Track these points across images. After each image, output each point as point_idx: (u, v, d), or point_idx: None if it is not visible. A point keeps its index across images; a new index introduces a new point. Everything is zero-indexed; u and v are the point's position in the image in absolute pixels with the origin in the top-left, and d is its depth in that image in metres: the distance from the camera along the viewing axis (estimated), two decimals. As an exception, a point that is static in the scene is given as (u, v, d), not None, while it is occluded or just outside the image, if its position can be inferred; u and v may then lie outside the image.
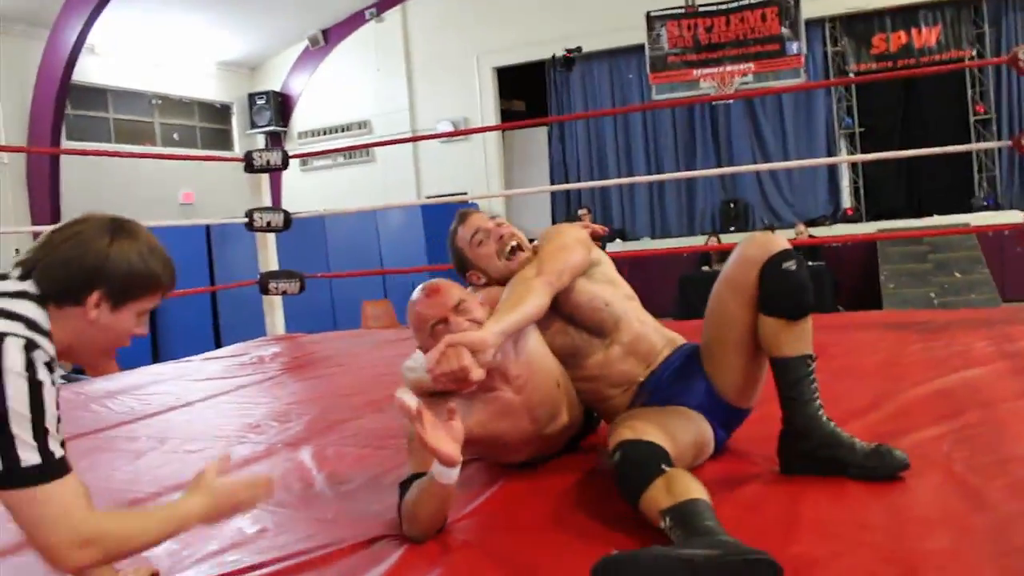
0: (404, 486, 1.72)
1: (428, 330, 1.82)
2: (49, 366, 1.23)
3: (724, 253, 9.60)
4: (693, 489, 1.58)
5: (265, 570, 1.63)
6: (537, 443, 2.02)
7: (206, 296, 9.59)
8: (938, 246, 9.48)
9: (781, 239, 1.92)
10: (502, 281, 2.06)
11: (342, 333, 5.69)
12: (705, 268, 10.06)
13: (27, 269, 1.28)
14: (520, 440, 1.97)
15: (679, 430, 1.86)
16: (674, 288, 9.46)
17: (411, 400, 1.56)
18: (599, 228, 2.36)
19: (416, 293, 1.88)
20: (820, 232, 10.48)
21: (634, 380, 2.08)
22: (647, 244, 11.71)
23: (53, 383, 1.22)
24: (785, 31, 8.64)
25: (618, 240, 11.45)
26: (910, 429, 2.13)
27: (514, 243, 2.11)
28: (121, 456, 2.63)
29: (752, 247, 1.90)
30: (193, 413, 3.23)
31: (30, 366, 1.19)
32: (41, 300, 1.26)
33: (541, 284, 1.93)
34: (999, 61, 4.70)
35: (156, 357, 9.50)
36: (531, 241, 2.18)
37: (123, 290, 1.30)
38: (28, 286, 1.27)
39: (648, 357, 2.09)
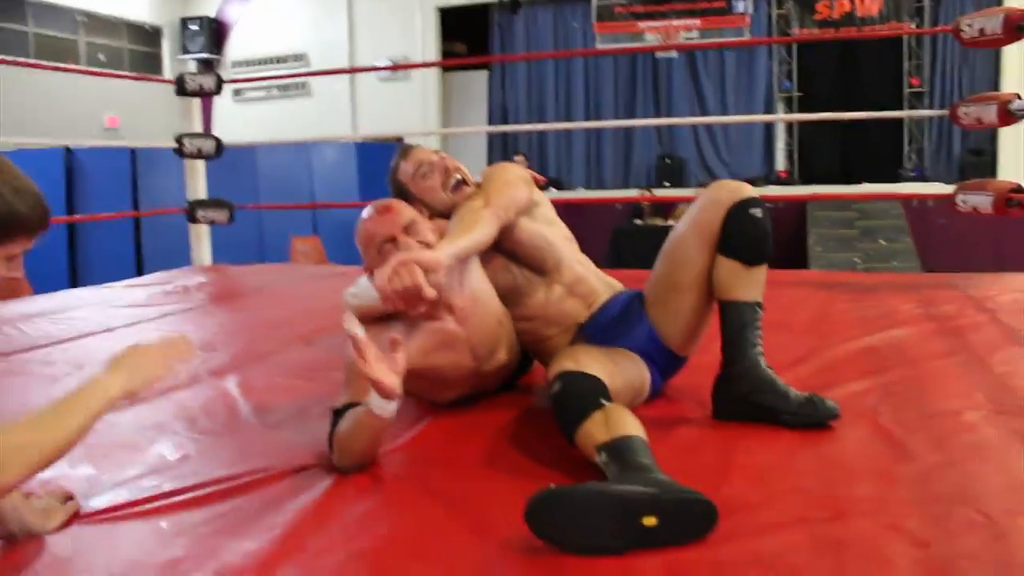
0: (337, 414, 1.67)
1: (376, 248, 1.79)
2: None
3: (658, 207, 9.69)
4: (630, 425, 1.57)
5: (186, 495, 1.57)
6: (474, 380, 2.00)
7: (129, 222, 9.27)
8: (865, 213, 9.69)
9: (749, 186, 1.93)
10: (446, 214, 2.04)
11: (270, 266, 5.57)
12: (638, 221, 10.11)
13: None
14: (458, 374, 1.95)
15: (620, 369, 1.85)
16: (607, 239, 9.50)
17: (357, 328, 1.52)
18: (538, 176, 2.33)
19: (367, 210, 1.84)
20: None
21: (574, 321, 2.08)
22: (582, 194, 11.72)
23: None
24: (732, -11, 8.66)
25: (553, 189, 11.43)
26: (838, 382, 2.16)
27: (459, 176, 2.09)
28: (36, 381, 2.52)
29: (722, 191, 1.92)
30: (113, 339, 3.11)
31: None
32: None
33: (489, 215, 1.92)
34: (941, 30, 4.78)
35: (75, 283, 9.21)
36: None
37: None
38: None
39: (589, 298, 2.10)
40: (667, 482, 1.37)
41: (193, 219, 4.91)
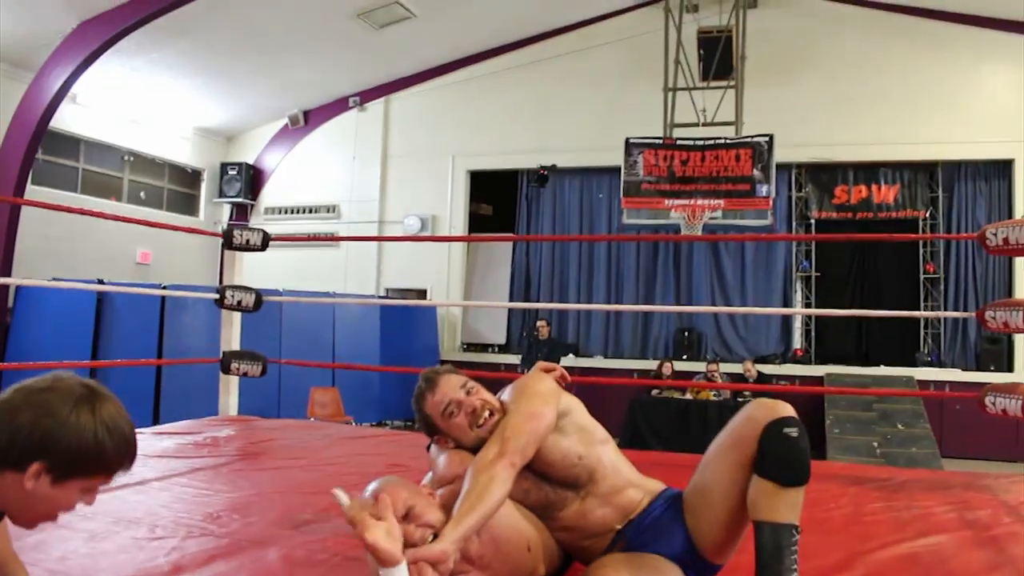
0: None
1: None
2: None
3: (675, 379, 9.72)
4: None
5: None
6: None
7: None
8: (883, 396, 9.72)
9: (788, 406, 1.93)
10: (474, 448, 2.03)
11: (296, 422, 5.59)
12: (655, 392, 10.14)
13: None
14: None
15: None
16: (623, 409, 9.51)
17: (345, 498, 1.51)
18: (566, 375, 2.35)
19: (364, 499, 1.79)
20: (770, 370, 10.69)
21: (611, 528, 2.07)
22: (600, 362, 11.80)
23: None
24: (757, 173, 8.97)
25: (571, 355, 11.51)
26: (884, 597, 2.14)
27: (487, 413, 2.07)
28: (75, 537, 2.52)
29: (759, 409, 1.93)
30: (148, 494, 3.12)
31: None
32: None
33: (503, 468, 1.87)
34: (967, 237, 4.93)
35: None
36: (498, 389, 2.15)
37: (67, 466, 1.24)
38: None
39: (626, 509, 2.09)
40: None
41: (227, 370, 4.97)
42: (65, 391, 1.25)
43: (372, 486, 1.82)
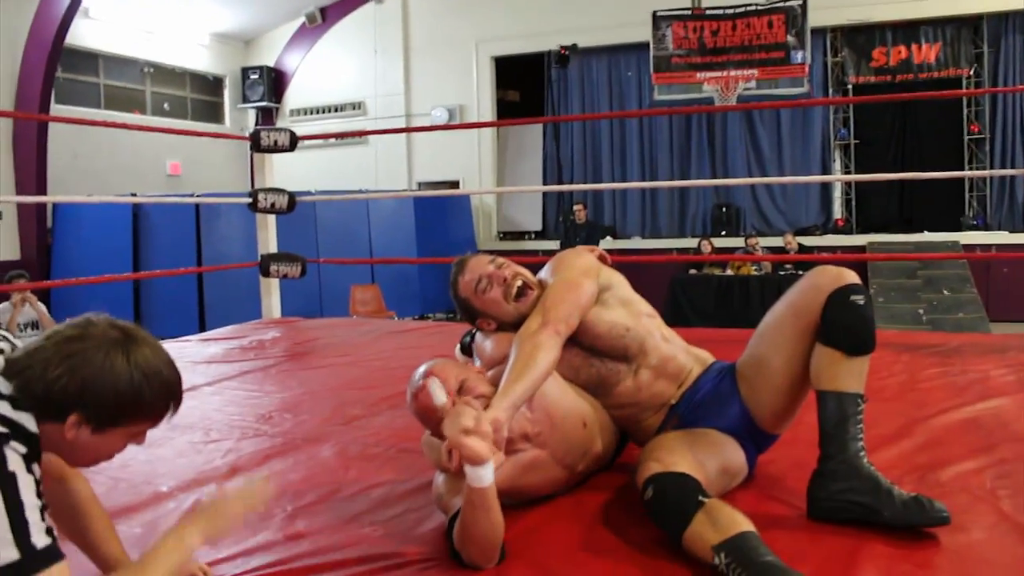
0: (453, 520, 1.65)
1: (437, 420, 1.71)
2: (26, 455, 1.15)
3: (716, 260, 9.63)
4: (739, 521, 1.55)
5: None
6: (571, 479, 1.97)
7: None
8: (928, 262, 9.56)
9: (852, 273, 1.87)
10: (514, 324, 1.98)
11: (340, 320, 5.63)
12: (693, 271, 10.07)
13: (13, 372, 1.19)
14: (554, 485, 1.92)
15: (708, 457, 1.82)
16: (664, 289, 9.45)
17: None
18: (606, 255, 2.28)
19: (414, 383, 1.79)
20: (810, 242, 10.53)
21: (666, 402, 2.03)
22: (638, 243, 11.70)
23: (30, 471, 1.15)
24: (791, 39, 8.64)
25: (608, 238, 11.42)
26: (947, 460, 2.11)
27: (519, 283, 2.02)
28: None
29: (823, 276, 1.86)
30: (200, 399, 3.16)
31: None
32: (22, 404, 1.19)
33: (548, 337, 1.83)
34: (1019, 89, 4.70)
35: (139, 330, 9.36)
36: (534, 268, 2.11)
37: (105, 416, 1.21)
38: (8, 389, 1.19)
39: (679, 377, 2.04)
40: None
41: (266, 273, 4.97)
42: (98, 337, 1.21)
43: (421, 368, 1.80)
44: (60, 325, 1.25)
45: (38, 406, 1.18)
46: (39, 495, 1.14)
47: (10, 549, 1.08)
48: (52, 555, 1.13)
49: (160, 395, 1.25)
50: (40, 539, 1.11)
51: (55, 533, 1.15)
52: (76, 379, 1.17)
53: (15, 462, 1.13)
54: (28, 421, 1.18)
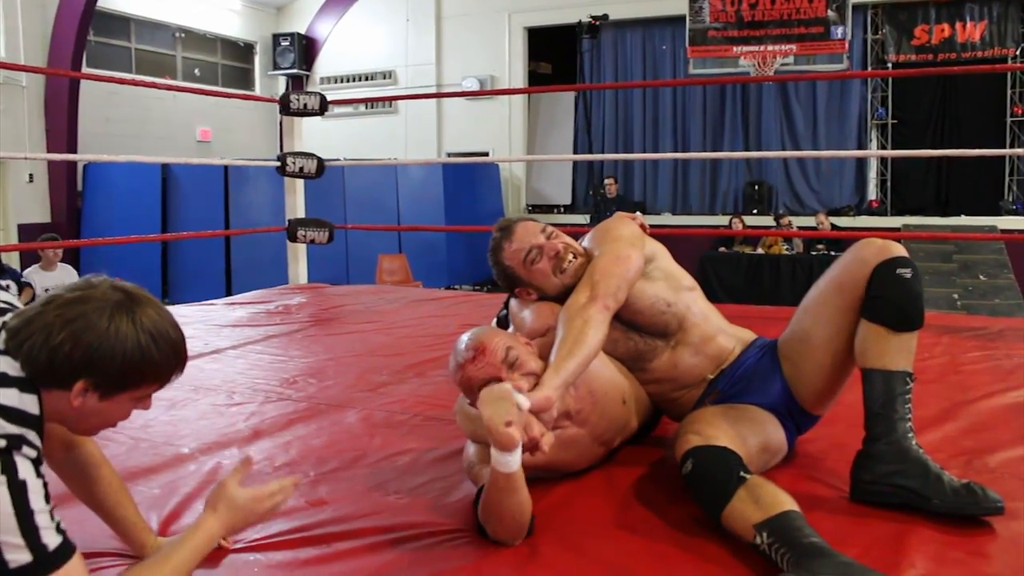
0: (479, 495, 1.59)
1: (479, 392, 1.61)
2: (36, 459, 1.12)
3: (747, 235, 9.49)
4: (782, 499, 1.49)
5: (332, 547, 1.54)
6: (605, 454, 1.92)
7: (220, 236, 9.47)
8: (963, 246, 9.37)
9: (899, 245, 1.77)
10: (558, 297, 1.90)
11: (366, 287, 5.58)
12: (723, 249, 9.95)
13: (15, 342, 1.14)
14: (589, 461, 1.87)
15: (750, 433, 1.76)
16: (693, 266, 9.35)
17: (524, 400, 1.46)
18: (646, 224, 2.18)
19: (460, 353, 1.69)
20: (844, 223, 10.35)
21: (703, 378, 1.95)
22: (668, 219, 11.56)
23: (39, 474, 1.12)
24: (831, 14, 8.42)
25: (639, 213, 11.27)
26: (996, 446, 2.04)
27: (571, 257, 1.92)
28: (156, 405, 2.48)
29: (868, 248, 1.77)
30: (224, 362, 3.12)
31: (7, 468, 1.08)
32: (27, 382, 1.14)
33: (597, 312, 1.75)
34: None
35: (165, 294, 9.42)
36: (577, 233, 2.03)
37: (113, 381, 1.16)
38: (11, 366, 1.14)
39: (718, 358, 1.96)
40: (861, 569, 1.28)
41: (293, 238, 4.93)
42: (100, 300, 1.16)
43: (466, 336, 1.71)
44: (59, 288, 1.19)
45: (43, 376, 1.14)
46: (47, 498, 1.12)
47: (23, 553, 1.08)
48: (64, 552, 1.12)
49: (168, 357, 1.20)
50: (51, 539, 1.11)
51: (63, 527, 1.14)
52: (81, 344, 1.12)
53: (25, 470, 1.10)
54: (32, 405, 1.14)
